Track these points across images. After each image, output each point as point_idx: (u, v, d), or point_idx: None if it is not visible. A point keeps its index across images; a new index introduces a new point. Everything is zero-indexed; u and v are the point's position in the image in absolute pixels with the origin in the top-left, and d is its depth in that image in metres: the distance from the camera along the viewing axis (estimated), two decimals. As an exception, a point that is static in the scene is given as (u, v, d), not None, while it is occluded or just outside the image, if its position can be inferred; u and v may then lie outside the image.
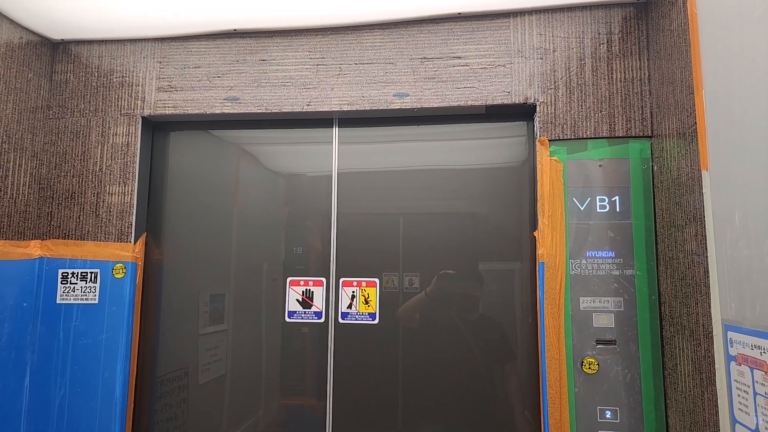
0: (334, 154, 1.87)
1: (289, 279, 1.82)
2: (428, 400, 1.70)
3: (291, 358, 1.79)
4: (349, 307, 1.76)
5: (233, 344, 1.83)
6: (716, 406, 1.17)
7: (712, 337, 1.19)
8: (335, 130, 1.88)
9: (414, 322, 1.74)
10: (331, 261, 1.81)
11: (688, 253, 1.33)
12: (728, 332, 1.13)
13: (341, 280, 1.78)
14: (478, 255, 1.74)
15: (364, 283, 1.77)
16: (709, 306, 1.20)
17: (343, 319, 1.76)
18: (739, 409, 1.08)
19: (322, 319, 1.78)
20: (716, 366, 1.17)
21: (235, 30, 1.84)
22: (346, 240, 1.81)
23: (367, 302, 1.75)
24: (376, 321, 1.75)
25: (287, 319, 1.80)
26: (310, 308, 1.79)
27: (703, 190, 1.24)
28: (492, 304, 1.72)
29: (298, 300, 1.80)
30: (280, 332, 1.80)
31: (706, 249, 1.22)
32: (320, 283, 1.80)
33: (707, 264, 1.22)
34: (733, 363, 1.11)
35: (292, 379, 1.79)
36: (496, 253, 1.74)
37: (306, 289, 1.80)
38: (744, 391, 1.06)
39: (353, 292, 1.77)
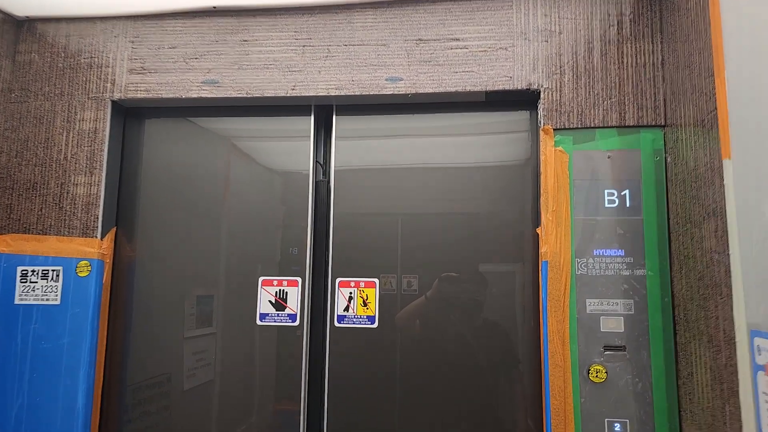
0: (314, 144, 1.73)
1: (261, 278, 1.67)
2: (428, 409, 1.57)
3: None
4: (346, 309, 1.63)
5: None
6: (739, 420, 1.06)
7: (734, 344, 1.08)
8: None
9: (413, 328, 1.61)
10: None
11: (706, 251, 1.22)
12: (754, 338, 1.02)
13: (338, 280, 1.64)
14: (479, 255, 1.61)
15: (362, 284, 1.63)
16: (732, 309, 1.09)
17: (339, 322, 1.63)
18: (771, 425, 0.96)
19: (296, 322, 1.64)
20: (740, 376, 1.06)
21: (214, 7, 1.70)
22: (339, 239, 1.67)
23: (365, 304, 1.62)
24: (375, 324, 1.61)
25: (259, 322, 1.65)
26: (284, 310, 1.65)
27: (725, 182, 1.12)
28: (494, 307, 1.60)
29: (270, 301, 1.66)
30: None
31: (728, 246, 1.11)
32: (295, 284, 1.65)
33: (729, 263, 1.10)
34: (760, 373, 1.00)
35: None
36: (499, 252, 1.61)
37: (279, 290, 1.66)
38: (777, 405, 0.95)
39: (350, 293, 1.63)
